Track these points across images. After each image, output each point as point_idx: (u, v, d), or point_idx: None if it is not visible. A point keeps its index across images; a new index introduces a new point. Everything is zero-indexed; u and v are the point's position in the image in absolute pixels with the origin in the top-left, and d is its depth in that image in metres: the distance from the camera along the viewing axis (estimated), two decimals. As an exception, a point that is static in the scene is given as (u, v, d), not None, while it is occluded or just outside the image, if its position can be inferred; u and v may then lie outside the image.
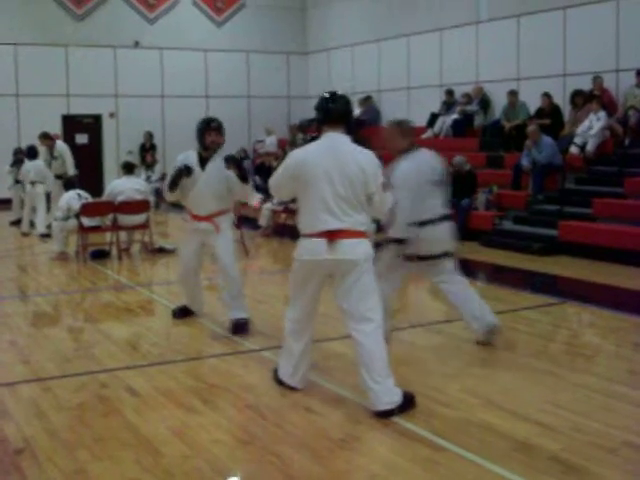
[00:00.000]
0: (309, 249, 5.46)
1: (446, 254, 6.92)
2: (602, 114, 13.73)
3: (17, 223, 16.38)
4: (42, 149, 16.10)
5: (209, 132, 7.64)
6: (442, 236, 6.88)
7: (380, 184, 5.47)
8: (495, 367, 6.49)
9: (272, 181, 5.74)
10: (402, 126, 6.93)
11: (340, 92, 5.66)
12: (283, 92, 23.84)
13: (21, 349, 7.22)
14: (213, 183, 7.56)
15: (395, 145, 6.81)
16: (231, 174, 7.51)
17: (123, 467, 4.53)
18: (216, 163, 7.58)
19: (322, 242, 5.35)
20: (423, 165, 6.77)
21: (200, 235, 7.72)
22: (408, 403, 5.37)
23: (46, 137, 16.21)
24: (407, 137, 6.83)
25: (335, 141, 5.46)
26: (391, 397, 5.28)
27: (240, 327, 7.52)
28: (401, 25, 19.95)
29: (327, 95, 5.61)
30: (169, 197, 7.85)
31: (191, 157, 7.72)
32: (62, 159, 16.03)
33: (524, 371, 6.36)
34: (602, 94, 14.37)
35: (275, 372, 6.00)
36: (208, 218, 7.63)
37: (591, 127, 13.73)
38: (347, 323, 5.53)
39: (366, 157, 5.48)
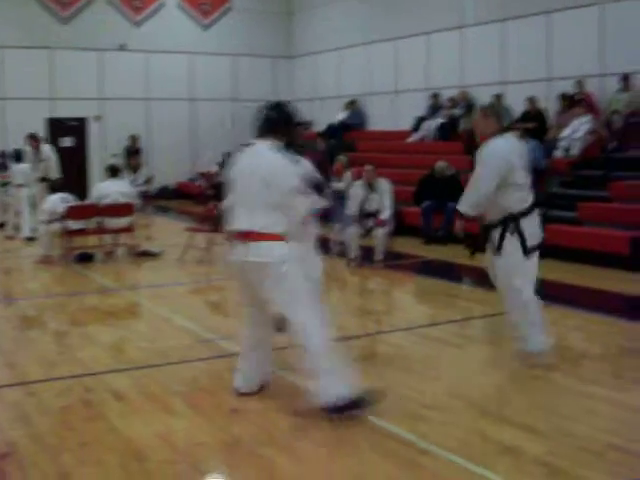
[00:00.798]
0: (233, 250, 5.58)
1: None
2: (587, 118, 13.80)
3: (1, 226, 16.31)
4: (27, 150, 16.00)
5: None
6: (537, 228, 6.62)
7: (293, 188, 5.41)
8: (480, 370, 6.49)
9: None
10: (495, 109, 6.79)
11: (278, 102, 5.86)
12: (269, 96, 23.82)
13: (5, 353, 7.18)
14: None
15: (487, 128, 6.53)
16: None
17: (108, 471, 4.51)
18: None
19: (238, 243, 5.49)
20: (515, 147, 6.61)
21: None
22: (355, 404, 5.26)
23: (32, 138, 16.14)
24: (500, 121, 6.53)
25: (258, 148, 5.59)
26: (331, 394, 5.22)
27: None
28: (387, 29, 19.98)
29: (265, 105, 5.77)
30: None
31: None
32: (47, 162, 15.96)
33: (509, 374, 6.36)
34: (585, 97, 14.44)
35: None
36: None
37: (576, 131, 13.79)
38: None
39: (281, 162, 5.47)
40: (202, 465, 4.58)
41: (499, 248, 6.45)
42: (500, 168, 6.35)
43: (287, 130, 5.67)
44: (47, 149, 16.32)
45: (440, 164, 14.12)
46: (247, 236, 5.41)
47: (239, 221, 5.51)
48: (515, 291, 6.49)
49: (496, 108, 6.92)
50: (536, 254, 6.55)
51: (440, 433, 5.00)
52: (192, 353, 7.11)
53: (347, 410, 5.22)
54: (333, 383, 5.24)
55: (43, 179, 15.29)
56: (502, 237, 6.42)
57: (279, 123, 5.64)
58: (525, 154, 6.73)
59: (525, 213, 6.46)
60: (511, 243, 6.40)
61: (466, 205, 6.64)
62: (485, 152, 6.42)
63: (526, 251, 6.41)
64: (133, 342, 7.54)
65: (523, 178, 6.54)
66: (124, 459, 4.67)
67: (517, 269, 6.45)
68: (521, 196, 6.49)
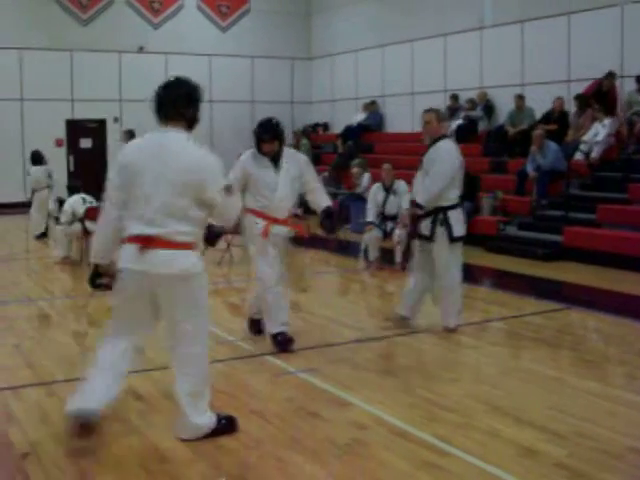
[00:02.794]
0: (123, 256, 4.78)
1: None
2: (607, 121, 13.73)
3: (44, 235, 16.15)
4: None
5: (263, 143, 7.16)
6: (462, 221, 7.72)
7: (222, 188, 4.77)
8: (500, 372, 6.48)
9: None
10: (440, 113, 7.80)
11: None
12: (287, 97, 23.87)
13: (26, 353, 7.21)
14: (289, 183, 7.15)
15: (433, 131, 7.61)
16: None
17: (128, 472, 4.53)
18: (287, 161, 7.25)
19: (133, 248, 4.69)
20: (457, 149, 7.73)
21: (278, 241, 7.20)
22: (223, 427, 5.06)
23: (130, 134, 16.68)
24: (443, 124, 7.83)
25: (164, 139, 4.82)
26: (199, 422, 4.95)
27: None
28: (405, 30, 19.98)
29: (162, 83, 5.01)
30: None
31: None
32: None
33: (529, 377, 6.35)
34: (610, 92, 14.31)
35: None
36: (285, 221, 7.21)
37: (597, 134, 13.73)
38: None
39: (201, 159, 4.75)
40: (222, 467, 4.59)
41: (432, 236, 7.52)
42: (454, 167, 7.50)
43: (196, 110, 4.91)
44: None
45: None
46: (146, 242, 4.66)
47: (133, 225, 4.72)
48: (448, 274, 7.61)
49: (445, 113, 7.76)
50: (461, 244, 7.70)
51: (459, 435, 5.00)
52: (211, 354, 7.09)
53: (216, 434, 5.00)
54: (207, 407, 5.03)
55: None
56: (434, 226, 7.51)
57: (188, 102, 4.88)
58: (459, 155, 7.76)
59: (454, 206, 7.56)
60: (441, 232, 7.49)
61: (426, 197, 7.49)
62: (441, 152, 7.47)
63: (452, 239, 7.51)
64: (153, 342, 7.55)
65: (460, 176, 7.66)
66: (144, 460, 4.69)
67: (448, 255, 7.55)
68: (455, 192, 7.60)
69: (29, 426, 5.29)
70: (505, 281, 11.18)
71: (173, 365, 5.01)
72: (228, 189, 4.83)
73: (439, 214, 7.47)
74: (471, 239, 13.55)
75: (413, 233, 7.90)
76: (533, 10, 16.40)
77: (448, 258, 7.56)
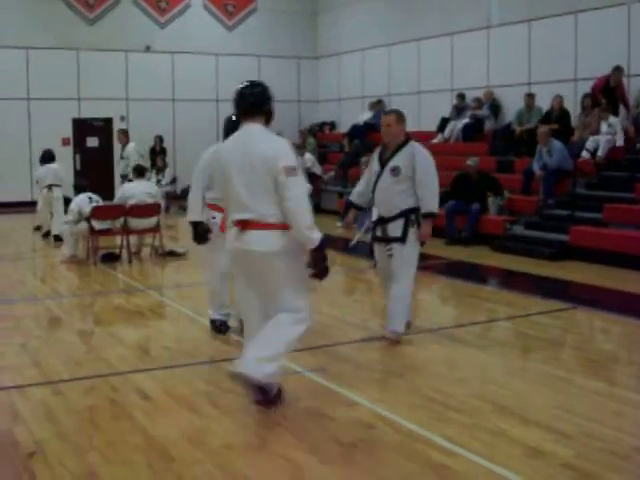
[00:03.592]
0: (228, 238, 5.48)
1: None
2: (613, 120, 13.71)
3: (37, 229, 16.31)
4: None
5: None
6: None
7: (284, 168, 5.16)
8: (506, 372, 6.47)
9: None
10: (399, 115, 7.36)
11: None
12: (294, 96, 23.85)
13: (32, 352, 7.23)
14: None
15: (392, 134, 7.25)
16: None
17: (134, 471, 4.54)
18: None
19: (235, 230, 5.35)
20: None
21: None
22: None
23: (123, 133, 16.97)
24: (404, 127, 7.33)
25: (249, 133, 5.38)
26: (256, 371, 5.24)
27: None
28: (412, 29, 19.95)
29: (242, 85, 5.58)
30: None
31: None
32: (127, 159, 16.62)
33: (535, 376, 6.34)
34: (618, 87, 14.27)
35: None
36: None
37: (603, 133, 13.71)
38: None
39: (271, 144, 5.30)
40: (229, 466, 4.59)
41: (404, 238, 7.18)
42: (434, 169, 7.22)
43: (271, 106, 5.55)
44: (131, 147, 16.85)
45: (474, 159, 14.24)
46: (245, 225, 5.28)
47: (234, 210, 5.39)
48: (410, 277, 7.31)
49: (402, 114, 7.39)
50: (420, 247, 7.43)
51: (465, 435, 4.99)
52: (218, 353, 7.14)
53: (272, 400, 5.47)
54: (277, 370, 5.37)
55: (124, 176, 15.90)
56: (406, 228, 7.18)
57: (262, 104, 5.47)
58: None
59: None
60: (412, 234, 7.19)
61: (436, 205, 7.23)
62: (423, 156, 7.16)
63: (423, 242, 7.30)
64: (159, 342, 7.58)
65: None
66: (150, 458, 4.69)
67: (414, 258, 7.32)
68: None
69: (35, 425, 5.30)
70: (511, 280, 11.16)
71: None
72: (293, 169, 5.23)
73: (410, 215, 7.17)
74: (478, 238, 13.65)
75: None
76: (540, 9, 16.37)
77: (411, 260, 7.29)
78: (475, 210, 13.83)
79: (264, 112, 5.46)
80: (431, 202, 7.13)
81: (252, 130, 5.38)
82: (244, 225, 5.27)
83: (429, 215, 7.15)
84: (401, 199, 7.15)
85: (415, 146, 7.22)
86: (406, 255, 7.23)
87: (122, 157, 16.91)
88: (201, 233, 7.37)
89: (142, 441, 4.98)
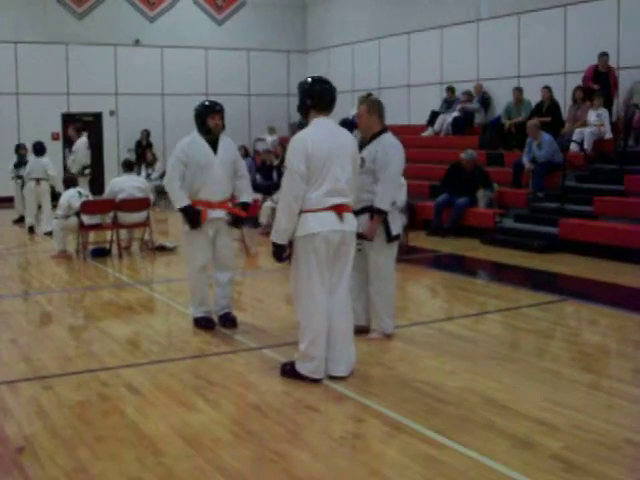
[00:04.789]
0: (321, 222, 5.76)
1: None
2: (602, 111, 13.75)
3: (20, 221, 16.37)
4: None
5: (212, 115, 7.43)
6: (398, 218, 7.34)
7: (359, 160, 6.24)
8: (496, 365, 6.47)
9: (293, 167, 5.73)
10: (371, 105, 7.13)
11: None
12: (283, 90, 23.83)
13: (22, 347, 7.22)
14: (227, 165, 7.51)
15: (365, 124, 7.02)
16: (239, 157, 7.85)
17: (124, 466, 4.53)
18: (225, 144, 7.55)
19: (332, 215, 5.78)
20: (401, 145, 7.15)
21: (213, 225, 7.55)
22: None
23: (75, 128, 16.96)
24: (375, 117, 7.04)
25: (329, 124, 6.00)
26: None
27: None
28: (401, 23, 19.96)
29: (311, 79, 6.13)
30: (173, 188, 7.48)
31: (198, 142, 7.47)
32: (75, 154, 16.60)
33: (525, 369, 6.35)
34: (609, 73, 14.29)
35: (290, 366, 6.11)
36: (222, 204, 7.52)
37: (590, 123, 13.76)
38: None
39: (350, 137, 6.11)
40: (218, 460, 4.59)
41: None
42: (401, 163, 6.99)
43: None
44: (80, 142, 16.82)
45: (471, 152, 14.24)
46: (342, 209, 5.83)
47: (330, 197, 5.77)
48: (382, 275, 7.07)
49: (379, 104, 7.13)
50: (396, 243, 7.19)
51: (456, 427, 5.00)
52: (208, 348, 7.13)
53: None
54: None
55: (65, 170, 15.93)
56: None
57: (335, 99, 6.07)
58: None
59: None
60: (380, 231, 6.97)
61: (389, 202, 6.91)
62: (390, 152, 6.85)
63: (390, 239, 7.02)
64: (149, 336, 7.56)
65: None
66: (140, 453, 4.69)
67: (384, 254, 7.05)
68: None
69: (25, 420, 5.29)
70: (501, 273, 11.18)
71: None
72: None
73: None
74: (467, 231, 13.67)
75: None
76: (529, 2, 16.40)
77: (383, 258, 7.05)
78: (460, 203, 13.83)
79: (333, 108, 6.08)
80: (382, 199, 6.80)
81: (331, 123, 6.03)
82: (342, 209, 5.83)
83: (377, 212, 6.85)
84: (365, 192, 6.79)
85: (385, 138, 6.92)
86: (375, 252, 7.03)
87: (71, 151, 16.86)
88: (195, 217, 7.35)
89: (132, 436, 4.97)
